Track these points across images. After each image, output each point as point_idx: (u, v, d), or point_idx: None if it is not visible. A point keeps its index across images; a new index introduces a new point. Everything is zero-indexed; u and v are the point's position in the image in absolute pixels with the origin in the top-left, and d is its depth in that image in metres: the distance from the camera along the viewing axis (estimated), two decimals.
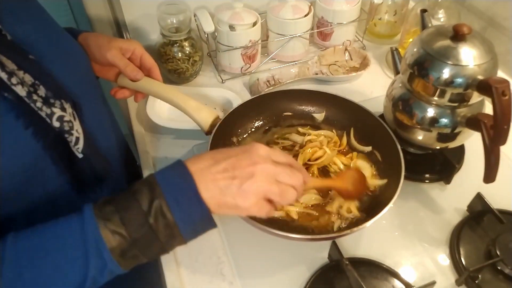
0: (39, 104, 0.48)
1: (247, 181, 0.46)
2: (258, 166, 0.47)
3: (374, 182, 0.70)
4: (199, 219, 0.47)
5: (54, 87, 0.50)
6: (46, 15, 0.57)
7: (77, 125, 0.53)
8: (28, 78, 0.47)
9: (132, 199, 0.44)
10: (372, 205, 0.67)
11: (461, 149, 0.77)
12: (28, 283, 0.42)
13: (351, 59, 1.01)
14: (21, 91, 0.46)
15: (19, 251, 0.42)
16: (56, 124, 0.50)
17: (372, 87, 0.95)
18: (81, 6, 0.91)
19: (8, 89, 0.44)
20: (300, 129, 0.79)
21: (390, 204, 0.59)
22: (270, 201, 0.49)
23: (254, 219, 0.58)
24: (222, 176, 0.47)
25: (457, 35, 0.61)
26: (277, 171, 0.49)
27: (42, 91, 0.49)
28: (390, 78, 0.97)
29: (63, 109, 0.51)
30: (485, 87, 0.58)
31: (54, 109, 0.50)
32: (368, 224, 0.58)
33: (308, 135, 0.77)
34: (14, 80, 0.45)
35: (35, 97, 0.47)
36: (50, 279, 0.43)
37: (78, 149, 0.53)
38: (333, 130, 0.79)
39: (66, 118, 0.51)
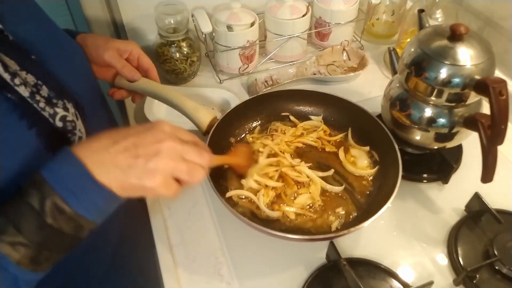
0: (42, 105, 0.48)
1: (152, 159, 0.43)
2: (164, 143, 0.44)
3: (368, 171, 0.71)
4: (104, 203, 0.43)
5: (56, 87, 0.51)
6: (46, 17, 0.58)
7: (79, 124, 0.53)
8: (31, 79, 0.48)
9: (22, 203, 0.40)
10: (369, 205, 0.67)
11: (459, 149, 0.77)
12: None
13: (349, 59, 1.01)
14: (24, 91, 0.46)
15: None
16: (59, 124, 0.50)
17: (370, 87, 0.95)
18: (79, 7, 0.91)
19: (11, 90, 0.45)
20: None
21: (388, 204, 0.59)
22: (177, 180, 0.46)
23: (253, 220, 0.58)
24: (123, 156, 0.42)
25: (454, 35, 0.61)
26: (184, 149, 0.45)
27: (45, 91, 0.49)
28: (388, 78, 0.96)
29: (65, 109, 0.51)
30: (482, 87, 0.58)
31: (57, 109, 0.50)
32: (366, 224, 0.58)
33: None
34: (17, 80, 0.45)
35: (38, 97, 0.48)
36: None
37: None
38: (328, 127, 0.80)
39: (69, 118, 0.51)
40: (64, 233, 0.42)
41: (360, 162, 0.73)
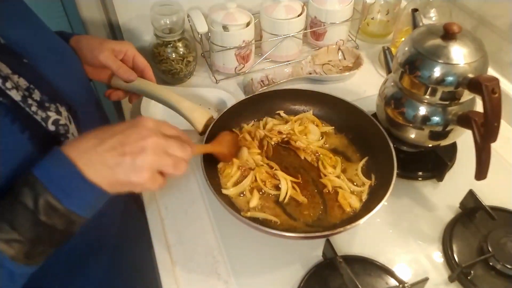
0: (34, 108, 0.48)
1: (139, 156, 0.44)
2: (149, 140, 0.45)
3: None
4: (94, 200, 0.45)
5: (49, 91, 0.51)
6: (37, 19, 0.58)
7: (72, 128, 0.53)
8: (23, 82, 0.48)
9: (16, 202, 0.42)
10: (365, 202, 0.67)
11: (453, 147, 0.78)
12: None
13: (344, 59, 1.02)
14: (16, 95, 0.46)
15: None
16: (52, 127, 0.50)
17: (365, 86, 0.95)
18: (75, 8, 0.91)
19: (3, 94, 0.45)
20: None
21: (383, 202, 0.60)
22: (162, 173, 0.48)
23: (250, 219, 0.58)
24: (110, 154, 0.44)
25: (448, 34, 0.62)
26: (168, 144, 0.47)
27: (37, 95, 0.49)
28: (383, 77, 0.97)
29: (58, 112, 0.51)
30: (475, 85, 0.58)
31: (50, 113, 0.50)
32: (362, 221, 0.59)
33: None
34: (8, 84, 0.45)
35: (30, 101, 0.48)
36: None
37: None
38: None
39: (61, 122, 0.51)
40: (57, 229, 0.43)
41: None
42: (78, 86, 0.60)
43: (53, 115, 0.50)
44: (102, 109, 0.71)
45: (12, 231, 0.41)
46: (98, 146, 0.44)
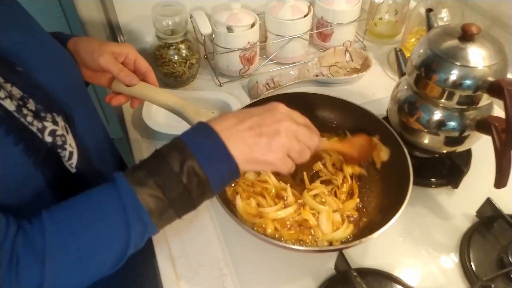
0: (29, 119, 0.45)
1: (274, 138, 0.48)
2: (282, 124, 0.49)
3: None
4: (228, 174, 0.48)
5: (44, 100, 0.48)
6: (33, 22, 0.55)
7: (70, 139, 0.51)
8: (16, 91, 0.45)
9: (163, 162, 0.45)
10: (379, 212, 0.64)
11: (468, 153, 0.75)
12: (74, 252, 0.43)
13: (352, 60, 0.99)
14: (9, 105, 0.43)
15: (58, 223, 0.43)
16: (48, 139, 0.47)
17: (374, 89, 0.93)
18: (73, 8, 0.89)
19: None
20: None
21: (399, 214, 0.57)
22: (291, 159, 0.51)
23: (258, 231, 0.55)
24: (249, 133, 0.48)
25: (466, 35, 0.59)
26: (299, 130, 0.51)
27: (32, 104, 0.46)
28: (392, 79, 0.95)
29: (55, 122, 0.48)
30: (496, 89, 0.56)
31: (46, 123, 0.47)
32: (376, 235, 0.55)
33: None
34: (1, 94, 0.43)
35: (25, 111, 0.45)
36: (94, 247, 0.44)
37: (72, 164, 0.51)
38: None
39: (58, 132, 0.48)
40: (191, 197, 0.46)
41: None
42: (74, 93, 0.57)
43: (49, 126, 0.47)
44: (98, 117, 0.68)
45: (156, 188, 0.44)
46: (238, 124, 0.48)
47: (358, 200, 0.67)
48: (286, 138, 0.49)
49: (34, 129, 0.45)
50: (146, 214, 0.44)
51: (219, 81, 0.95)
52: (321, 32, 1.00)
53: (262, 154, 0.48)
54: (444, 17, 0.86)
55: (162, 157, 0.46)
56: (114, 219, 0.44)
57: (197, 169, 0.45)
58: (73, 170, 0.51)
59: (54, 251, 0.41)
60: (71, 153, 0.50)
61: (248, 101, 0.77)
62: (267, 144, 0.48)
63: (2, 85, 0.43)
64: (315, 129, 0.56)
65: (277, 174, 0.68)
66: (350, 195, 0.67)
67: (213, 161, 0.46)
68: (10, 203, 0.44)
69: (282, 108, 0.52)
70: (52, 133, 0.48)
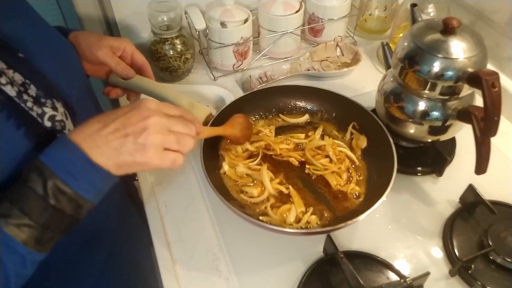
0: (29, 104, 0.47)
1: (140, 135, 0.46)
2: (150, 120, 0.47)
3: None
4: (101, 183, 0.46)
5: (45, 86, 0.50)
6: (34, 13, 0.57)
7: (69, 124, 0.53)
8: (18, 77, 0.47)
9: (25, 187, 0.43)
10: (365, 198, 0.67)
11: (452, 142, 0.78)
12: None
13: (343, 55, 1.01)
14: (10, 91, 0.45)
15: None
16: (48, 123, 0.49)
17: (364, 82, 0.95)
18: (70, 5, 0.90)
19: None
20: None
21: (383, 198, 0.60)
22: (172, 151, 0.49)
23: (248, 214, 0.58)
24: (114, 136, 0.45)
25: (447, 29, 0.62)
26: (170, 122, 0.48)
27: (32, 90, 0.48)
28: (381, 73, 0.98)
29: (54, 108, 0.50)
30: (475, 79, 0.58)
31: (46, 109, 0.49)
32: (361, 217, 0.58)
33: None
34: (3, 79, 0.45)
35: (25, 96, 0.47)
36: None
37: None
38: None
39: (58, 118, 0.50)
40: (66, 214, 0.44)
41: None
42: (75, 81, 0.59)
43: (49, 111, 0.49)
44: (99, 105, 0.70)
45: (23, 216, 0.42)
46: (101, 129, 0.46)
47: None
48: (156, 133, 0.46)
49: (34, 114, 0.47)
50: (19, 245, 0.42)
51: (213, 75, 0.97)
52: (312, 27, 1.03)
53: (131, 154, 0.45)
54: (430, 12, 0.89)
55: (23, 182, 0.43)
56: None
57: (62, 187, 0.43)
58: None
59: None
60: None
61: (241, 94, 0.79)
62: (134, 143, 0.45)
63: (4, 71, 0.45)
64: (193, 116, 0.54)
65: (287, 179, 0.70)
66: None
67: (78, 176, 0.44)
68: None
69: (149, 104, 0.48)
70: (52, 118, 0.49)
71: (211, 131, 0.68)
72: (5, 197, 0.43)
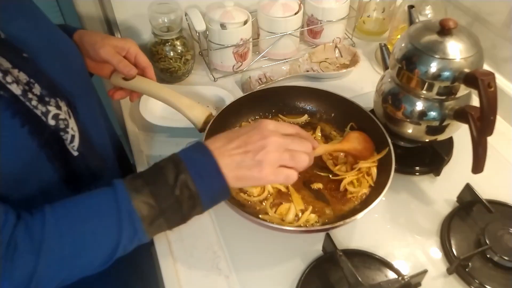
0: (34, 103, 0.48)
1: (259, 153, 0.51)
2: (268, 139, 0.52)
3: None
4: (218, 191, 0.52)
5: (49, 85, 0.51)
6: (39, 12, 0.58)
7: (72, 123, 0.53)
8: (23, 77, 0.48)
9: (160, 173, 0.49)
10: (364, 197, 0.68)
11: (449, 142, 0.79)
12: (67, 247, 0.45)
13: (341, 56, 1.02)
14: (16, 89, 0.46)
15: (58, 217, 0.46)
16: (52, 122, 0.50)
17: (362, 83, 0.96)
18: (71, 6, 0.91)
19: (4, 88, 0.45)
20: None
21: (381, 197, 0.61)
22: (288, 168, 0.53)
23: (248, 212, 0.59)
24: (236, 152, 0.51)
25: (444, 30, 0.63)
26: (286, 141, 0.53)
27: (37, 89, 0.49)
28: (379, 74, 0.98)
29: (58, 107, 0.51)
30: (471, 79, 0.59)
31: (49, 107, 0.50)
32: (360, 216, 0.59)
33: None
34: (9, 78, 0.46)
35: (30, 95, 0.48)
36: (87, 244, 0.47)
37: (74, 147, 0.54)
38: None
39: (61, 116, 0.51)
40: (182, 208, 0.50)
41: None
42: (77, 80, 0.60)
43: (53, 110, 0.50)
44: (101, 105, 0.71)
45: (151, 196, 0.48)
46: (227, 144, 0.52)
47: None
48: (273, 152, 0.51)
49: (38, 112, 0.48)
50: (138, 219, 0.47)
51: (213, 76, 0.98)
52: (311, 29, 1.03)
53: (249, 169, 0.51)
54: (428, 13, 0.90)
55: (160, 169, 0.50)
56: (109, 220, 0.47)
57: (189, 183, 0.49)
58: (75, 153, 0.54)
59: (51, 243, 0.44)
60: (73, 137, 0.53)
61: (241, 95, 0.80)
62: (252, 159, 0.51)
63: (10, 70, 0.46)
64: (308, 134, 0.59)
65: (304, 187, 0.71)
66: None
67: (205, 177, 0.50)
68: (15, 184, 0.47)
69: (268, 124, 0.54)
70: (55, 117, 0.50)
71: (327, 147, 0.69)
72: (141, 175, 0.50)
